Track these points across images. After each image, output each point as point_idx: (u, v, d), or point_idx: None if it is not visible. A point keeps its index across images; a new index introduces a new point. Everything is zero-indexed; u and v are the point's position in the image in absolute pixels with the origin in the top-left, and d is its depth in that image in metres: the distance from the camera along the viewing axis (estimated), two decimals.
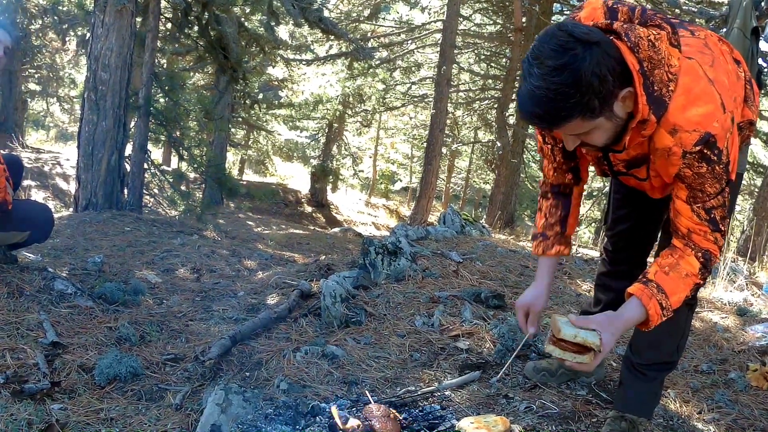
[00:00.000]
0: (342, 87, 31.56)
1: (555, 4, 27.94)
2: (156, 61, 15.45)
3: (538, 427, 3.97)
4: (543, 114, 2.85)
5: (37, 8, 25.65)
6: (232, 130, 33.20)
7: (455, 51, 27.14)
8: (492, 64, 34.02)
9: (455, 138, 39.99)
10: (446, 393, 4.36)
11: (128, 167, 13.70)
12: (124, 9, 12.35)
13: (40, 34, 28.97)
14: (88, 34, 13.75)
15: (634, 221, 4.20)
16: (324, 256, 9.77)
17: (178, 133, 15.42)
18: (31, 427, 3.65)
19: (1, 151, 6.62)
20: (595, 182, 29.91)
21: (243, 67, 17.93)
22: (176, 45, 20.64)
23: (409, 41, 32.25)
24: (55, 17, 23.12)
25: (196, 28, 16.96)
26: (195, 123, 18.04)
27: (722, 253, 4.40)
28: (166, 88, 15.02)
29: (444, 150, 34.73)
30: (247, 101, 26.52)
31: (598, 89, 2.78)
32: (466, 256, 7.87)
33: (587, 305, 4.85)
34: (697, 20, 13.27)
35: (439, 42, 26.45)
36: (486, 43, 32.64)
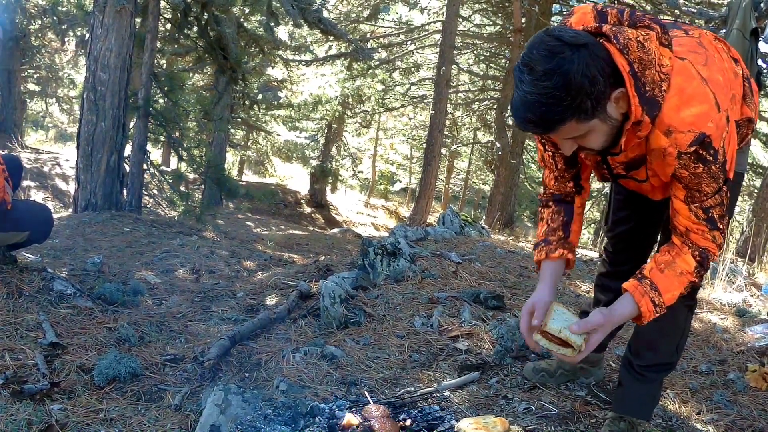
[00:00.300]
0: (341, 88, 31.53)
1: (554, 4, 27.92)
2: (155, 61, 15.46)
3: (537, 428, 3.97)
4: (537, 119, 2.87)
5: (36, 8, 25.70)
6: (232, 130, 33.21)
7: (454, 52, 27.14)
8: (491, 64, 34.03)
9: (454, 139, 40.02)
10: (445, 394, 4.37)
11: (127, 168, 13.70)
12: (123, 9, 12.37)
13: (40, 35, 29.01)
14: (88, 35, 13.74)
15: (635, 223, 4.20)
16: (323, 257, 9.78)
17: (177, 133, 15.44)
18: (31, 427, 3.66)
19: (1, 152, 6.62)
20: (595, 183, 29.87)
21: (242, 68, 17.92)
22: (176, 45, 20.68)
23: (409, 42, 32.24)
24: (55, 17, 23.18)
25: (195, 28, 16.95)
26: (194, 123, 18.07)
27: (721, 252, 4.31)
28: (166, 88, 15.03)
29: (443, 151, 34.75)
30: (246, 102, 26.51)
31: (589, 90, 2.80)
32: (465, 257, 7.87)
33: (586, 305, 4.86)
34: (696, 21, 13.29)
35: (439, 43, 26.47)
36: (485, 44, 32.62)
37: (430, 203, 26.01)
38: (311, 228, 27.11)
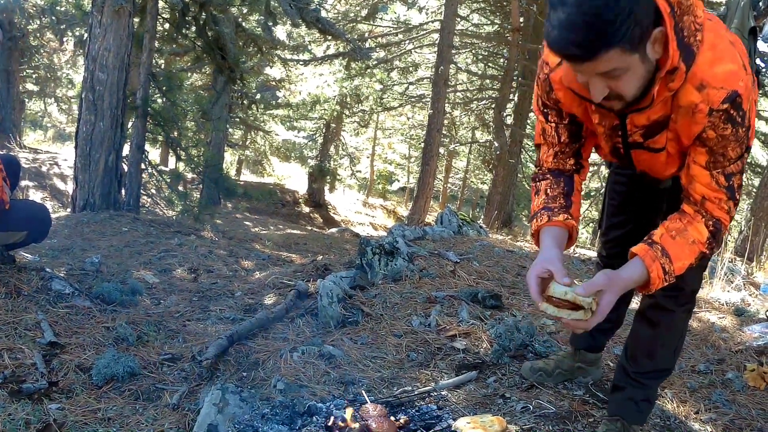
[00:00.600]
0: (339, 87, 31.54)
1: None
2: (154, 61, 15.46)
3: (534, 427, 3.98)
4: (582, 41, 2.59)
5: (35, 8, 25.67)
6: (230, 130, 33.21)
7: (453, 51, 27.14)
8: (489, 64, 34.00)
9: (452, 138, 40.03)
10: (443, 393, 4.38)
11: (126, 167, 13.71)
12: (121, 9, 12.36)
13: (38, 35, 28.99)
14: (86, 35, 13.75)
15: (630, 228, 4.16)
16: (321, 257, 9.79)
17: (175, 133, 15.42)
18: (29, 426, 3.67)
19: None
20: (593, 182, 29.85)
21: (240, 68, 17.90)
22: (174, 45, 20.65)
23: (407, 41, 32.21)
24: (53, 17, 23.18)
25: (193, 28, 16.95)
26: (192, 123, 18.05)
27: (729, 229, 4.23)
28: (164, 88, 15.03)
29: (441, 150, 34.77)
30: (244, 101, 26.54)
31: (637, 17, 2.56)
32: (463, 256, 7.88)
33: None
34: None
35: (437, 42, 26.47)
36: (483, 43, 32.64)
37: (428, 203, 26.04)
38: (309, 227, 27.12)
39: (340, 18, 29.47)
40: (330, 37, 23.77)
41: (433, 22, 30.06)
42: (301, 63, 30.40)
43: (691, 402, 4.66)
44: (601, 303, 3.04)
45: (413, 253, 7.44)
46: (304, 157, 42.00)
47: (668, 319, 3.78)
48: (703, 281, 7.56)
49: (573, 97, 3.29)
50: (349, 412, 3.61)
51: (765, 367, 5.24)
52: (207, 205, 17.46)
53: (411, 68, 35.68)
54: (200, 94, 25.69)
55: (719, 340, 6.02)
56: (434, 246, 8.24)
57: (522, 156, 30.61)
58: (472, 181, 51.47)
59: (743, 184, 3.22)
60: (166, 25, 18.02)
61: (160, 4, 15.12)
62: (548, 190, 3.53)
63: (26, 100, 35.91)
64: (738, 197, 3.15)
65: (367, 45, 29.81)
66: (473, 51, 33.19)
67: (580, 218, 3.90)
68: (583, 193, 4.16)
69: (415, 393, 4.30)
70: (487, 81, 33.72)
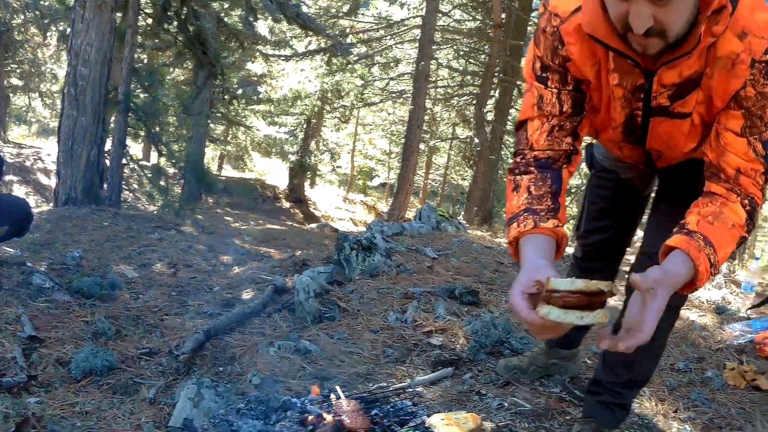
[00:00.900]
0: (320, 83, 31.50)
1: (534, 0, 27.96)
2: (136, 56, 15.47)
3: (510, 424, 4.00)
4: None
5: (18, 3, 25.58)
6: (211, 125, 33.12)
7: (434, 47, 27.14)
8: (471, 60, 33.99)
9: (433, 134, 39.98)
10: (418, 389, 4.39)
11: (108, 162, 13.71)
12: (104, 4, 12.36)
13: (22, 29, 28.89)
14: (69, 30, 13.74)
15: (612, 233, 4.02)
16: (300, 252, 9.81)
17: (157, 128, 15.42)
18: (8, 420, 3.67)
19: None
20: (574, 179, 29.79)
21: (221, 63, 17.95)
22: (156, 40, 20.62)
23: (388, 37, 32.18)
24: (37, 12, 23.08)
25: (175, 23, 16.96)
26: (174, 118, 18.05)
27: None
28: (146, 83, 15.04)
29: (422, 146, 34.71)
30: (226, 97, 26.49)
31: None
32: (441, 252, 7.92)
33: None
34: None
35: (418, 38, 26.47)
36: (465, 40, 32.59)
37: (408, 198, 26.03)
38: (289, 223, 27.07)
39: (321, 13, 29.46)
40: (311, 33, 23.78)
41: (414, 17, 30.05)
42: (282, 58, 30.34)
43: (670, 400, 4.68)
44: (650, 307, 2.44)
45: (391, 248, 7.47)
46: (285, 153, 41.93)
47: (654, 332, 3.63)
48: None
49: (590, 52, 2.86)
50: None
51: (745, 365, 5.27)
52: (188, 200, 17.46)
53: (392, 64, 35.64)
54: (182, 89, 25.67)
55: (699, 338, 6.04)
56: (412, 242, 8.27)
57: (502, 152, 30.57)
58: (452, 177, 51.43)
59: None
60: (149, 20, 18.00)
61: None
62: (532, 187, 2.89)
63: (11, 94, 35.77)
64: None
65: (348, 40, 29.78)
66: (454, 47, 33.14)
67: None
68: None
69: (391, 389, 4.32)
70: (468, 77, 33.63)
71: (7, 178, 19.62)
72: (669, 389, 4.85)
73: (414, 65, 27.45)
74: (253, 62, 31.05)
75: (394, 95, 36.68)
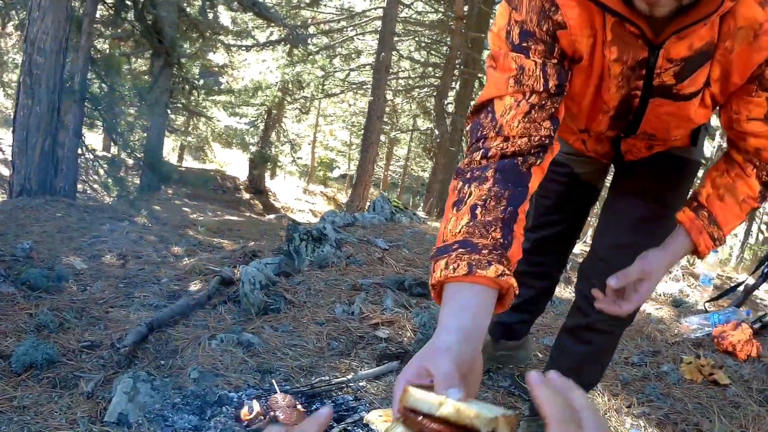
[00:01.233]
0: (281, 73, 31.52)
1: None
2: (98, 46, 15.40)
3: None
4: None
5: None
6: (172, 116, 33.04)
7: (395, 38, 27.17)
8: (432, 52, 34.11)
9: (394, 125, 40.16)
10: (361, 384, 4.33)
11: (63, 152, 13.64)
12: None
13: None
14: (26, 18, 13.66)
15: (562, 228, 3.87)
16: (252, 243, 9.76)
17: (113, 118, 15.36)
18: None
19: None
20: None
21: (177, 51, 17.90)
22: (119, 30, 20.54)
23: (350, 28, 32.24)
24: None
25: (132, 12, 16.89)
26: (134, 109, 17.99)
27: None
28: (102, 73, 14.96)
29: (382, 137, 34.84)
30: (186, 87, 26.42)
31: None
32: (393, 243, 7.85)
33: None
34: None
35: (379, 29, 26.47)
36: (427, 31, 32.70)
37: (367, 189, 26.04)
38: (248, 214, 27.08)
39: (283, 3, 29.40)
40: (273, 24, 23.75)
41: (376, 9, 30.07)
42: (243, 49, 30.32)
43: (624, 395, 4.65)
44: (640, 292, 2.63)
45: (342, 239, 7.40)
46: (246, 144, 41.88)
47: (604, 340, 3.59)
48: None
49: (588, 20, 2.35)
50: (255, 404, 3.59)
51: (702, 359, 5.25)
52: (147, 190, 17.44)
53: (353, 55, 35.74)
54: (140, 78, 25.58)
55: (655, 331, 6.04)
56: (364, 233, 8.20)
57: (463, 144, 30.67)
58: (412, 169, 51.64)
59: None
60: (109, 9, 17.93)
61: None
62: (479, 208, 2.13)
63: None
64: None
65: (310, 31, 29.79)
66: (416, 38, 33.23)
67: None
68: None
69: (333, 383, 4.25)
70: (430, 69, 33.73)
71: None
72: (623, 384, 4.83)
73: (375, 57, 27.43)
74: (214, 52, 30.98)
75: (354, 86, 36.79)
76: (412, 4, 32.05)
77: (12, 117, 13.76)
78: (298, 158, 46.54)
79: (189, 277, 7.10)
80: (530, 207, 2.55)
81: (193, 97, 30.99)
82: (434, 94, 30.67)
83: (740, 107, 2.48)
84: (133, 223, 11.66)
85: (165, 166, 16.65)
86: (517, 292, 2.07)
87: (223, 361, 4.58)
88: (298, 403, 3.72)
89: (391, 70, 28.04)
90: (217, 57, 32.22)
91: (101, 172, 16.70)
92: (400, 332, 5.30)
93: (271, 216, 25.12)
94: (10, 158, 21.20)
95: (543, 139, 2.31)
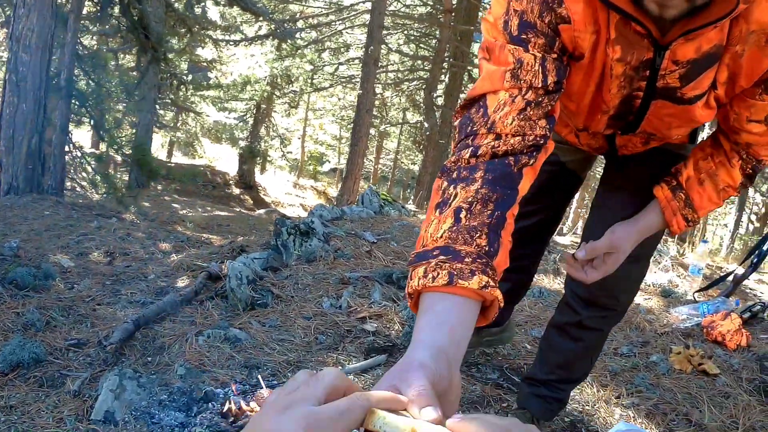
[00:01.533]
0: (270, 68, 31.49)
1: None
2: (86, 42, 15.37)
3: None
4: None
5: None
6: (161, 111, 33.01)
7: (384, 32, 27.16)
8: (421, 45, 34.14)
9: (383, 119, 40.20)
10: (349, 377, 4.32)
11: (50, 150, 13.62)
12: None
13: None
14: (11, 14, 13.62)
15: (540, 218, 3.70)
16: (241, 238, 9.75)
17: (100, 115, 15.33)
18: None
19: None
20: None
21: (164, 47, 17.83)
22: (106, 27, 20.50)
23: (338, 22, 32.24)
24: None
25: (117, 8, 16.84)
26: (122, 105, 17.96)
27: None
28: (89, 69, 14.93)
29: (372, 131, 34.88)
30: (174, 82, 26.38)
31: None
32: (381, 236, 7.85)
33: None
34: None
35: (368, 22, 26.47)
36: (415, 24, 32.75)
37: (357, 183, 26.05)
38: (238, 209, 27.11)
39: None
40: (261, 18, 23.74)
41: (364, 2, 30.04)
42: (231, 43, 30.30)
43: (613, 386, 4.64)
44: (607, 263, 2.71)
45: (330, 233, 7.39)
46: (235, 139, 41.90)
47: (594, 336, 3.57)
48: None
49: (592, 15, 2.24)
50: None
51: (692, 349, 5.25)
52: (135, 187, 17.42)
53: (342, 49, 35.78)
54: (128, 74, 25.55)
55: (644, 322, 6.03)
56: (352, 226, 8.19)
57: (452, 136, 30.77)
58: (402, 162, 51.69)
59: None
60: (95, 5, 17.87)
61: None
62: (464, 210, 1.97)
63: None
64: None
65: (298, 25, 29.82)
66: (405, 32, 33.27)
67: None
68: None
69: None
70: (419, 62, 33.81)
71: None
72: (612, 374, 4.82)
73: (364, 50, 27.43)
74: (202, 47, 30.93)
75: (343, 80, 36.80)
76: None
77: None
78: (287, 153, 46.53)
79: (176, 273, 7.08)
80: None
81: (181, 93, 30.96)
82: (423, 87, 30.75)
83: (742, 108, 2.41)
84: (120, 220, 11.64)
85: (153, 162, 16.59)
86: (502, 304, 1.88)
87: (210, 357, 4.56)
88: None
89: (380, 64, 28.06)
90: (206, 52, 32.13)
91: (89, 169, 16.67)
92: (388, 325, 5.29)
93: (261, 211, 25.15)
94: None
95: (537, 138, 2.17)
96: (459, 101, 28.51)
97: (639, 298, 6.71)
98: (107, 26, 20.22)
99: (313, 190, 43.92)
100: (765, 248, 6.43)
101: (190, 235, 11.12)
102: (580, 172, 3.57)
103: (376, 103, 32.26)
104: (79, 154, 15.45)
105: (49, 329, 5.14)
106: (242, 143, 38.28)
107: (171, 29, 21.27)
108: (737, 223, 34.01)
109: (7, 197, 12.15)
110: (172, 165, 33.27)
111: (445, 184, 2.09)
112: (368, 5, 27.66)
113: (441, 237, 1.91)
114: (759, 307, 6.18)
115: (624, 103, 2.50)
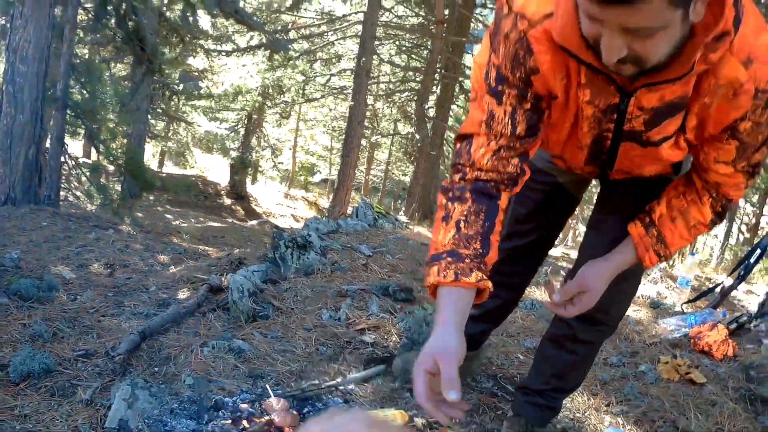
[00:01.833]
0: (262, 78, 31.45)
1: None
2: (77, 52, 15.38)
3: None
4: None
5: None
6: (153, 121, 32.90)
7: (376, 43, 27.17)
8: (413, 56, 34.15)
9: (374, 130, 40.08)
10: (350, 387, 4.41)
11: (46, 160, 13.63)
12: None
13: None
14: (8, 26, 13.65)
15: (534, 238, 3.77)
16: (237, 250, 9.81)
17: (95, 125, 15.35)
18: None
19: None
20: None
21: (159, 59, 17.85)
22: (99, 36, 20.48)
23: (330, 32, 32.22)
24: None
25: (113, 19, 16.87)
26: (115, 115, 17.94)
27: None
28: (84, 80, 14.96)
29: (363, 142, 34.81)
30: (166, 92, 26.34)
31: None
32: (377, 249, 7.93)
33: None
34: None
35: (360, 33, 26.49)
36: (407, 35, 32.69)
37: (348, 194, 26.02)
38: (230, 220, 27.03)
39: (263, 8, 29.35)
40: (254, 30, 23.76)
41: (356, 13, 30.05)
42: (223, 53, 30.30)
43: (602, 394, 4.72)
44: (582, 301, 2.92)
45: (326, 246, 7.49)
46: (226, 149, 41.77)
47: (587, 349, 3.65)
48: None
49: (561, 64, 2.48)
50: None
51: (679, 359, 5.36)
52: (128, 198, 17.40)
53: (334, 60, 35.69)
54: (121, 85, 25.49)
55: (633, 333, 6.12)
56: (348, 239, 8.27)
57: (444, 148, 30.69)
58: (393, 173, 51.55)
59: None
60: (89, 16, 17.88)
61: None
62: (462, 222, 2.60)
63: None
64: (757, 171, 2.67)
65: (290, 36, 29.80)
66: (397, 43, 33.25)
67: None
68: None
69: (323, 387, 4.33)
70: (410, 73, 33.77)
71: None
72: (602, 383, 4.89)
73: (356, 61, 27.44)
74: (194, 57, 30.88)
75: (335, 91, 36.75)
76: (392, 8, 32.15)
77: None
78: (279, 163, 46.39)
79: (177, 285, 7.15)
80: (505, 216, 2.89)
81: (173, 102, 30.90)
82: (415, 98, 30.71)
83: (710, 150, 2.61)
84: (118, 232, 11.63)
85: (148, 173, 16.60)
86: (492, 291, 2.64)
87: (216, 367, 4.66)
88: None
89: (371, 75, 28.07)
90: (197, 61, 32.04)
91: (83, 179, 16.66)
92: (385, 337, 5.39)
93: (254, 222, 25.14)
94: None
95: (511, 173, 2.68)
96: (450, 112, 28.61)
97: (628, 310, 6.78)
98: (99, 35, 20.23)
99: (304, 200, 43.76)
100: (752, 260, 6.53)
101: (187, 247, 11.14)
102: (575, 192, 3.65)
103: (368, 114, 32.22)
104: (73, 164, 15.46)
105: (56, 340, 5.20)
106: (233, 153, 38.17)
107: (164, 39, 21.27)
108: (727, 233, 34.03)
109: (4, 208, 12.10)
110: (164, 175, 33.12)
111: (445, 200, 2.72)
112: (360, 16, 27.66)
113: (447, 242, 2.59)
114: (746, 318, 6.26)
115: (595, 143, 2.78)
